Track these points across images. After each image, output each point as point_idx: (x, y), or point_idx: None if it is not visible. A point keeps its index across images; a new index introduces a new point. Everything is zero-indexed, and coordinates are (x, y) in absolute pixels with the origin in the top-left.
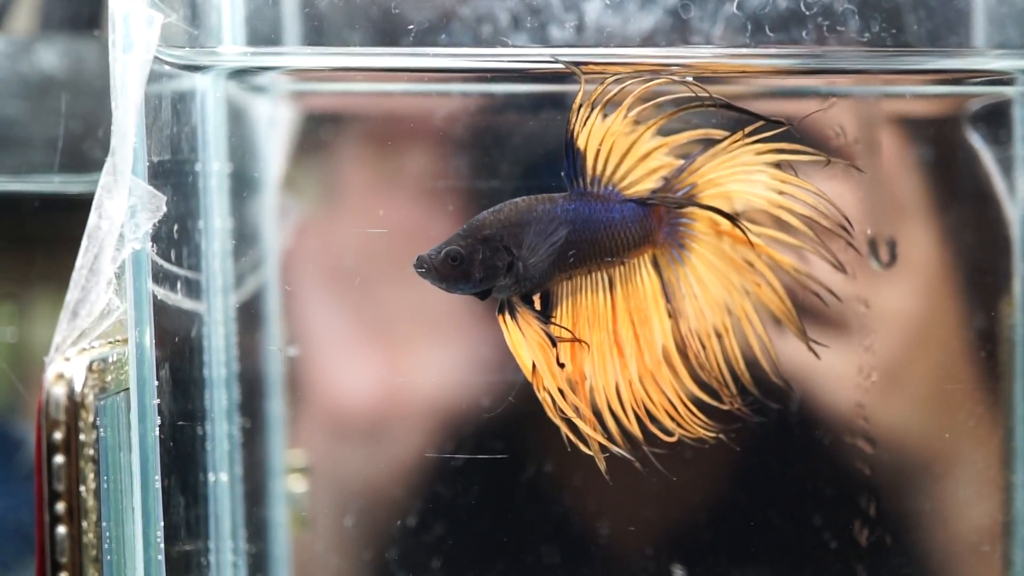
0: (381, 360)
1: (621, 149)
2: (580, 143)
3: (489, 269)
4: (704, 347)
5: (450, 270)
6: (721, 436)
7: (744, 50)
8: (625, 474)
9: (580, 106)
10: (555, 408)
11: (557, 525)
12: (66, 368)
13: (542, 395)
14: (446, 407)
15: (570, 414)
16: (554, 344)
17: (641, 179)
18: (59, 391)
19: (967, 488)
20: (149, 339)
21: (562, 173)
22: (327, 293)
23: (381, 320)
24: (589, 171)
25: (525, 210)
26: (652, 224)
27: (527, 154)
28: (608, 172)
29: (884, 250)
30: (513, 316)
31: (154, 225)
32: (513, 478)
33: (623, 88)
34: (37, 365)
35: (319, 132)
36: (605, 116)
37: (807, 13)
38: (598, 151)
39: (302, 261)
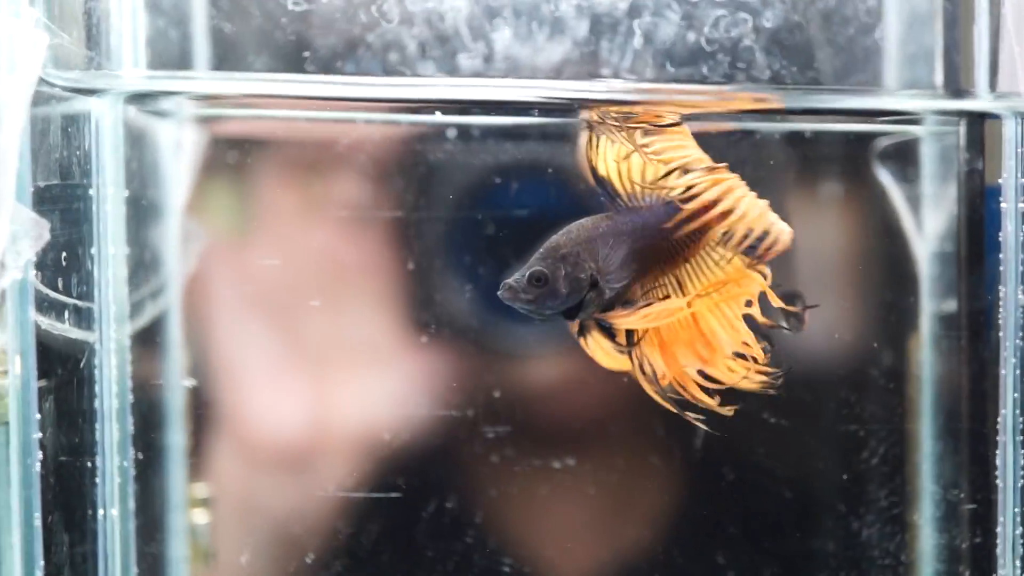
0: (305, 390)
1: (636, 168)
2: (601, 171)
3: (573, 282)
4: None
5: (536, 290)
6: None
7: (648, 85)
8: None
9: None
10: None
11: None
12: None
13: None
14: (373, 439)
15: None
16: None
17: (659, 190)
18: None
19: (871, 528)
20: (31, 371)
21: (601, 198)
22: (247, 321)
23: (305, 349)
24: (620, 191)
25: (591, 228)
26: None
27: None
28: (630, 188)
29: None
30: (586, 336)
31: (38, 253)
32: (430, 515)
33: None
34: None
35: (232, 155)
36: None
37: (710, 50)
38: (619, 172)
39: (220, 288)
